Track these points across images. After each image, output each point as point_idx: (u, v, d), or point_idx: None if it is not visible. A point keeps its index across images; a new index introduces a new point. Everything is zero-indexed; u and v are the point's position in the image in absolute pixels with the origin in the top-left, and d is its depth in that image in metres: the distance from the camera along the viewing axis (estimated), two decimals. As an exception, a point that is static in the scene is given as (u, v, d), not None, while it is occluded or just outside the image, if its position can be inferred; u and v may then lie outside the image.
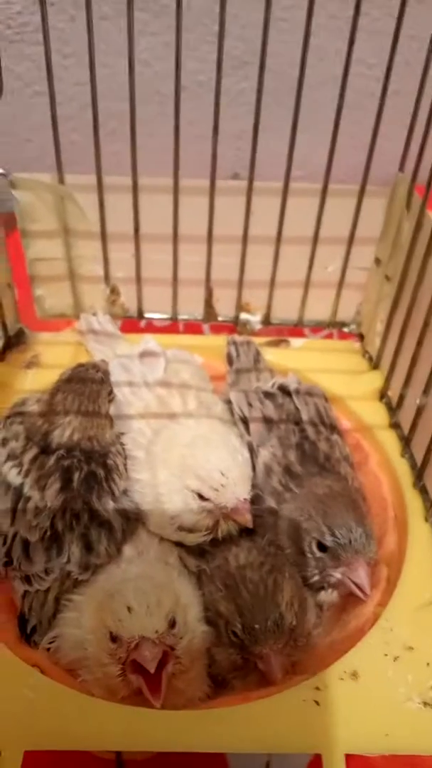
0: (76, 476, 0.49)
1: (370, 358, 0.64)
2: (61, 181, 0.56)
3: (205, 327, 0.75)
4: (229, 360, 0.65)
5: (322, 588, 0.48)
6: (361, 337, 0.67)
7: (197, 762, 0.46)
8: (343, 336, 0.70)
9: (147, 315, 0.67)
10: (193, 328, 0.73)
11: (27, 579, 0.47)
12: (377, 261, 0.62)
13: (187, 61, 0.78)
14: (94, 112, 0.52)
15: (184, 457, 0.49)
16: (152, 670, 0.38)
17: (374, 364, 0.63)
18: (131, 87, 0.50)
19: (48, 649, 0.44)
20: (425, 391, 0.50)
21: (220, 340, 0.66)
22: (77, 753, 0.43)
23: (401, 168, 0.56)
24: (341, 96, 0.52)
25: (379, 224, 0.61)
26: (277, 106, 0.54)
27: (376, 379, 0.62)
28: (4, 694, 0.38)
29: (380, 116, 0.54)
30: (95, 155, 0.54)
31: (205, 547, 0.50)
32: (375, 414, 0.60)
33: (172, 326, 0.73)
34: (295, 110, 0.53)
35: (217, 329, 0.73)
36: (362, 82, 0.58)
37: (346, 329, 0.68)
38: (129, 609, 0.41)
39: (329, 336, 0.72)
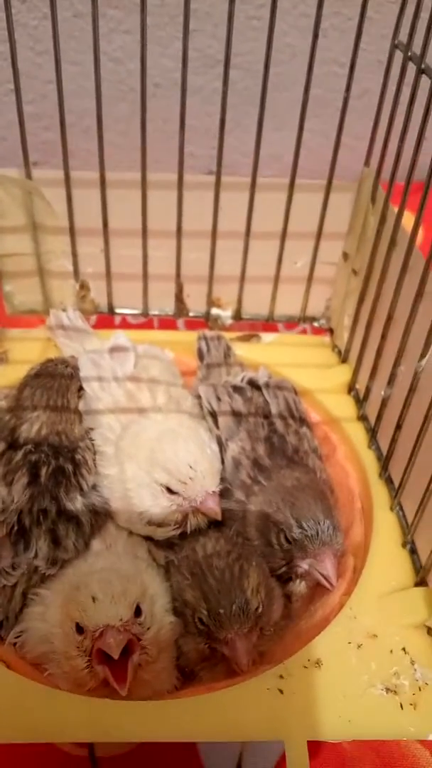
0: (43, 471, 0.49)
1: (339, 352, 0.65)
2: (29, 176, 0.56)
3: (179, 323, 0.75)
4: (200, 355, 0.65)
5: (290, 579, 0.48)
6: (331, 331, 0.68)
7: (171, 758, 0.46)
8: (314, 331, 0.70)
9: (118, 310, 0.67)
10: (167, 324, 0.73)
11: (-7, 574, 0.47)
12: (345, 255, 0.62)
13: (161, 58, 0.78)
14: (60, 108, 0.52)
15: (153, 451, 0.49)
16: (116, 656, 0.38)
17: (343, 358, 0.64)
18: (97, 84, 0.50)
19: (14, 644, 0.44)
20: (389, 383, 0.51)
21: (191, 336, 0.67)
22: (49, 751, 0.43)
23: (367, 163, 0.57)
24: (306, 91, 0.53)
25: (346, 219, 0.61)
26: (251, 105, 0.55)
27: (344, 373, 0.62)
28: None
29: (344, 113, 0.55)
30: (62, 149, 0.54)
31: (174, 541, 0.50)
32: (343, 407, 0.60)
33: (146, 323, 0.74)
34: (261, 107, 0.53)
35: (190, 325, 0.73)
36: (334, 81, 0.59)
37: (316, 324, 0.69)
38: (94, 599, 0.41)
39: (303, 331, 0.73)
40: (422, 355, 0.43)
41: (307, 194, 0.59)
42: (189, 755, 0.47)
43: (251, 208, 0.59)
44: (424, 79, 0.44)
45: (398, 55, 0.49)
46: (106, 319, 0.69)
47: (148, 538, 0.51)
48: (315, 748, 0.36)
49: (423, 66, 0.44)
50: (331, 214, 0.60)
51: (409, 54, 0.47)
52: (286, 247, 0.62)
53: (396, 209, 0.49)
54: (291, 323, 0.71)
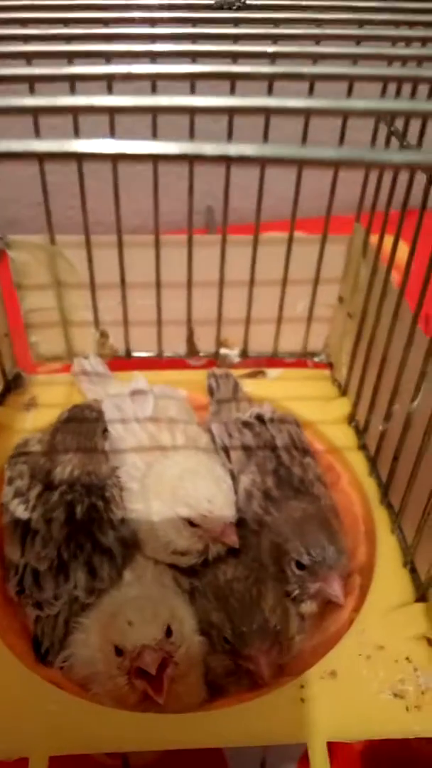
0: (78, 509, 0.55)
1: (339, 385, 0.71)
2: (52, 241, 0.62)
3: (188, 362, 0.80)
4: (210, 392, 0.71)
5: (303, 600, 0.54)
6: (330, 365, 0.74)
7: (198, 762, 0.52)
8: (314, 365, 0.76)
9: (134, 354, 0.73)
10: (175, 363, 0.79)
11: (38, 605, 0.51)
12: (340, 299, 0.68)
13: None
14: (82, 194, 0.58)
15: (175, 489, 0.55)
16: (153, 672, 0.43)
17: (343, 391, 0.70)
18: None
19: (61, 668, 0.49)
20: (386, 418, 0.56)
21: (201, 374, 0.73)
22: (87, 762, 0.47)
23: (357, 218, 0.63)
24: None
25: (341, 265, 0.67)
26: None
27: (344, 405, 0.68)
28: (30, 708, 0.43)
29: (338, 170, 0.60)
30: (83, 220, 0.60)
31: (196, 568, 0.55)
32: (345, 437, 0.66)
33: (159, 363, 0.79)
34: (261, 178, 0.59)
35: (210, 364, 0.78)
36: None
37: (316, 359, 0.75)
38: (129, 623, 0.46)
39: (302, 365, 0.78)
40: (413, 399, 0.49)
41: (304, 247, 0.65)
42: (215, 759, 0.52)
43: (254, 259, 0.65)
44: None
45: (383, 128, 0.55)
46: (123, 362, 0.75)
47: (172, 566, 0.56)
48: (334, 748, 0.41)
49: (405, 143, 0.50)
50: (326, 261, 0.66)
51: (392, 129, 0.53)
52: (286, 292, 0.68)
53: (385, 265, 0.55)
54: (293, 359, 0.77)
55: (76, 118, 0.56)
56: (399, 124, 0.52)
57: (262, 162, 0.23)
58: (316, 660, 0.47)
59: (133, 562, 0.56)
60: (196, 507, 0.53)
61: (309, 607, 0.54)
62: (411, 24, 0.37)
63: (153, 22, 0.38)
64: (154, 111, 0.26)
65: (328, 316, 0.72)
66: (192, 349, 0.73)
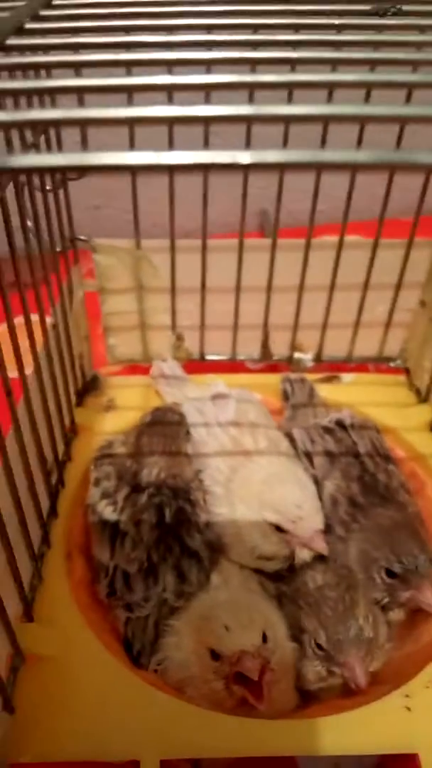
0: (167, 512, 0.55)
1: (418, 392, 0.70)
2: (138, 246, 0.63)
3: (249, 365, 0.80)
4: (285, 396, 0.71)
5: (391, 608, 0.53)
6: (407, 371, 0.73)
7: (270, 762, 0.51)
8: (389, 370, 0.75)
9: (208, 357, 0.73)
10: (243, 367, 0.79)
11: (128, 607, 0.52)
12: (422, 303, 0.68)
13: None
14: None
15: (262, 493, 0.55)
16: (256, 678, 0.43)
17: (422, 397, 0.69)
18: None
19: (155, 671, 0.49)
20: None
21: (274, 378, 0.72)
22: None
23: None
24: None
25: (424, 269, 0.66)
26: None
27: (425, 412, 0.67)
28: (137, 710, 0.43)
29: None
30: (170, 228, 0.60)
31: (282, 573, 0.55)
32: (427, 444, 0.65)
33: (231, 367, 0.79)
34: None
35: (269, 368, 0.78)
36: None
37: (392, 364, 0.74)
38: (226, 628, 0.46)
39: (377, 370, 0.77)
40: None
41: (384, 251, 0.65)
42: (287, 766, 0.51)
43: (337, 264, 0.65)
44: None
45: None
46: (196, 364, 0.75)
47: (258, 571, 0.56)
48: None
49: None
50: (409, 265, 0.66)
51: None
52: (367, 296, 0.68)
53: None
54: (368, 364, 0.76)
55: (132, 129, 0.56)
56: None
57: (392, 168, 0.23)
58: (412, 669, 0.47)
59: (219, 566, 0.56)
60: (285, 513, 0.53)
61: (397, 615, 0.53)
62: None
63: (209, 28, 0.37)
64: (248, 120, 0.26)
65: (406, 321, 0.71)
66: (267, 353, 0.73)
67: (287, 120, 0.28)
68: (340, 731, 0.42)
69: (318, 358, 0.74)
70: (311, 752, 0.41)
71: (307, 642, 0.50)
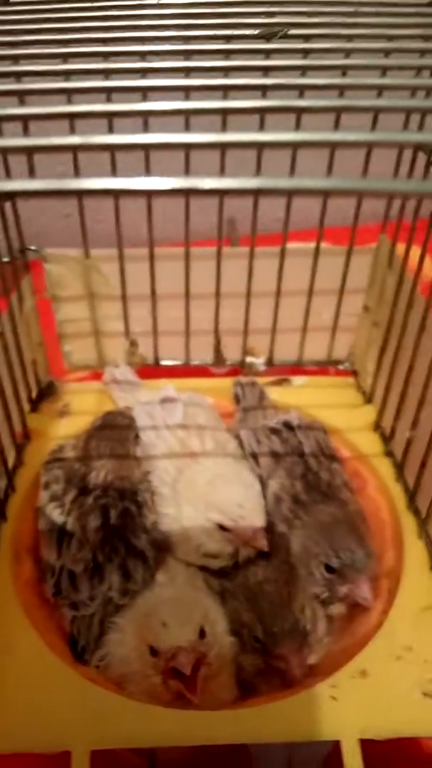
0: (112, 513, 0.56)
1: (364, 393, 0.72)
2: (87, 255, 0.65)
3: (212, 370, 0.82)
4: (236, 399, 0.73)
5: (331, 603, 0.55)
6: (355, 373, 0.75)
7: (224, 760, 0.53)
8: (338, 373, 0.77)
9: (162, 362, 0.75)
10: (201, 371, 0.81)
11: (74, 605, 0.53)
12: (366, 308, 0.70)
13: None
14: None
15: (207, 494, 0.56)
16: (188, 673, 0.45)
17: (368, 398, 0.71)
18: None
19: (97, 667, 0.50)
20: (413, 426, 0.58)
21: (226, 382, 0.74)
22: (113, 757, 0.49)
23: (383, 229, 0.65)
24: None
25: (366, 276, 0.69)
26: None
27: (370, 413, 0.69)
28: (71, 703, 0.45)
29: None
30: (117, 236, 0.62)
31: (226, 570, 0.57)
32: (371, 444, 0.67)
33: (183, 370, 0.81)
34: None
35: (234, 372, 0.80)
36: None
37: (341, 367, 0.76)
38: (164, 625, 0.47)
39: (326, 373, 0.80)
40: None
41: (329, 257, 0.67)
42: (242, 759, 0.53)
43: (281, 270, 0.67)
44: None
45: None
46: (151, 369, 0.77)
47: (203, 569, 0.57)
48: (366, 746, 0.42)
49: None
50: (352, 271, 0.68)
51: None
52: (312, 302, 0.70)
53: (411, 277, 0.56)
54: (317, 367, 0.78)
55: (76, 156, 0.58)
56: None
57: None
58: (346, 661, 0.49)
59: (165, 565, 0.57)
60: (228, 512, 0.55)
61: (337, 609, 0.55)
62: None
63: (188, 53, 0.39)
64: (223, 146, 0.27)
65: (353, 325, 0.73)
66: (219, 358, 0.75)
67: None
68: (269, 720, 0.44)
69: (270, 362, 0.75)
70: (241, 740, 0.42)
71: (246, 635, 0.51)
